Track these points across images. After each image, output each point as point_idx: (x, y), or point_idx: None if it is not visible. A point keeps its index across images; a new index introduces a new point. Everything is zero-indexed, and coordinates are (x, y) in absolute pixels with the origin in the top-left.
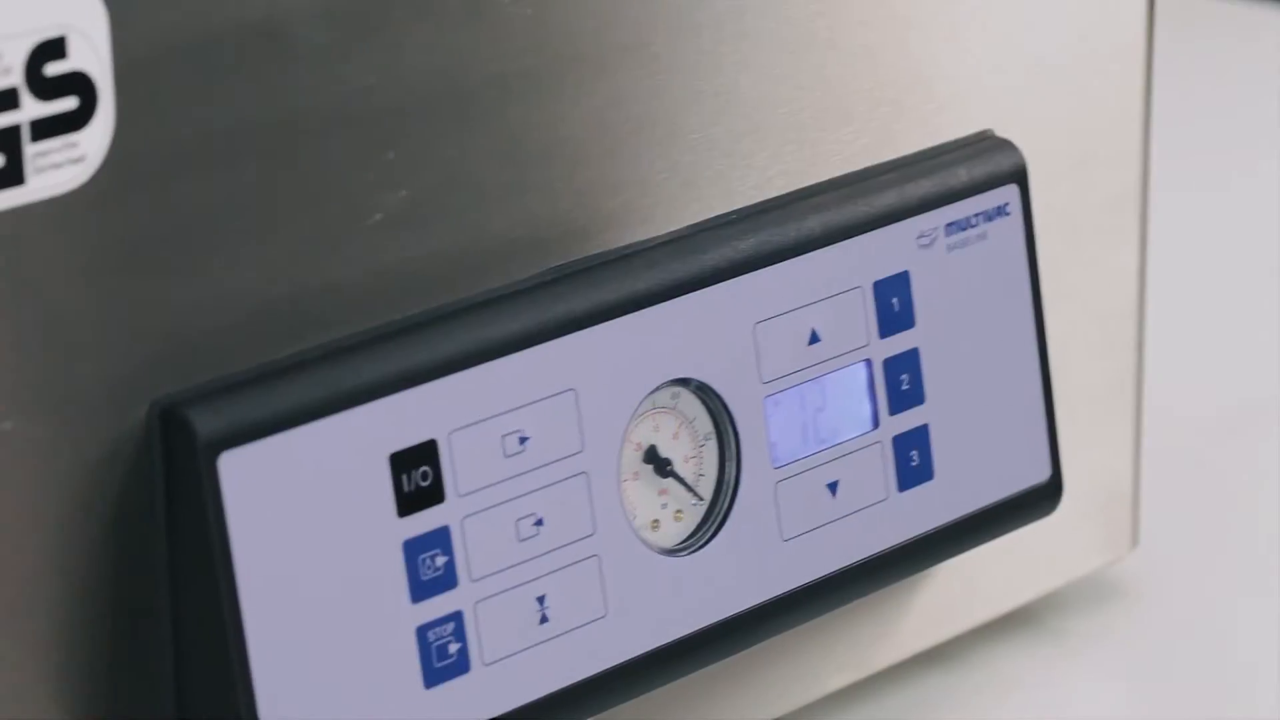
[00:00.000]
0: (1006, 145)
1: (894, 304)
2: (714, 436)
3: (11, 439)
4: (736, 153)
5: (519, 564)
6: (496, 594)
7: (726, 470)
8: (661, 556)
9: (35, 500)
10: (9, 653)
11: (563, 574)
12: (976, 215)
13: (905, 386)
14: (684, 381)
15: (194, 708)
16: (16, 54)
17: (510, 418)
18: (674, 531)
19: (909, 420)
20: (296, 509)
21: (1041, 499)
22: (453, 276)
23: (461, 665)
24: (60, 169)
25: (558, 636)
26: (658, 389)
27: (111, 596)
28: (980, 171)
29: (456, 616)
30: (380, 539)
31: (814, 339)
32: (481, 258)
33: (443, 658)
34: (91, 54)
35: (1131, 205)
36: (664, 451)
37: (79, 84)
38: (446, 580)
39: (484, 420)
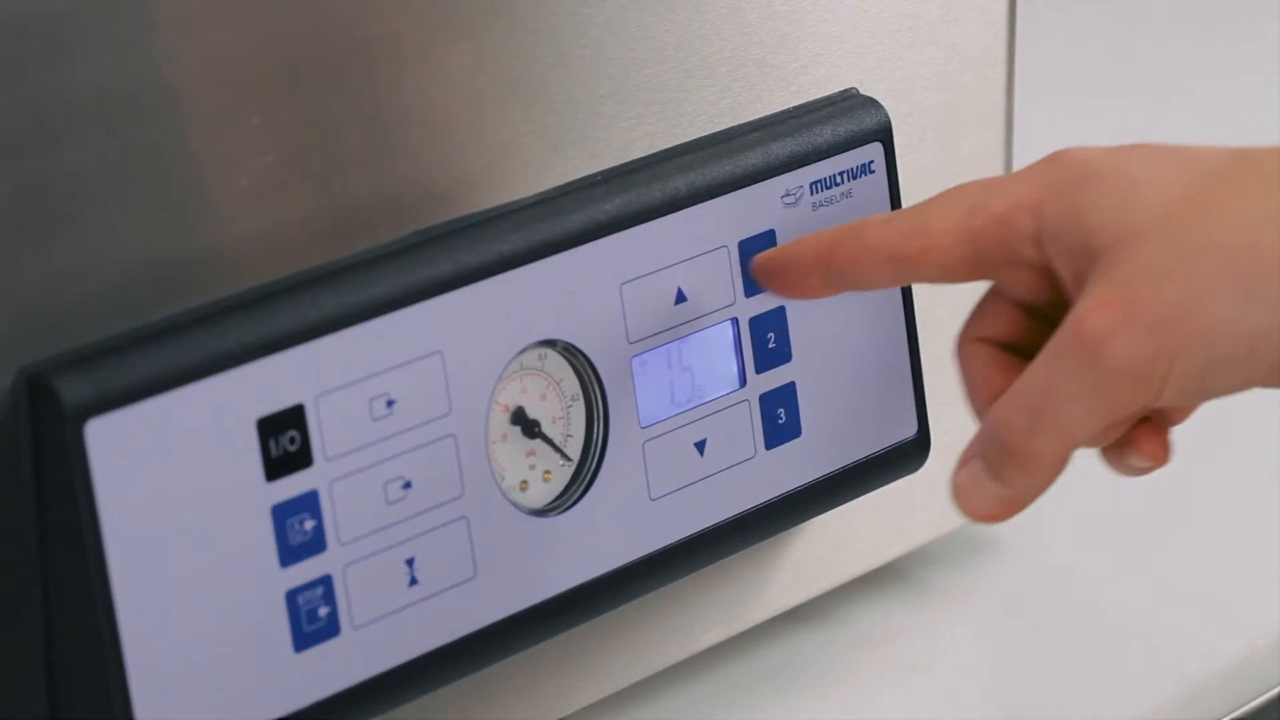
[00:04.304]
0: (871, 103)
1: None
2: (581, 397)
3: None
4: (601, 114)
5: (388, 527)
6: (365, 557)
7: (594, 430)
8: (530, 517)
9: None
10: None
11: (431, 536)
12: (841, 173)
13: (772, 345)
14: (551, 343)
15: (65, 675)
16: None
17: (377, 381)
18: (543, 492)
19: (776, 378)
20: (164, 475)
21: (909, 455)
22: (318, 241)
23: (331, 629)
24: None
25: (427, 599)
26: (525, 350)
27: None
28: (845, 130)
29: (326, 580)
30: (249, 504)
31: (680, 298)
32: (347, 221)
33: (312, 621)
34: None
35: (995, 163)
36: (532, 413)
37: None
38: (315, 544)
39: (351, 384)
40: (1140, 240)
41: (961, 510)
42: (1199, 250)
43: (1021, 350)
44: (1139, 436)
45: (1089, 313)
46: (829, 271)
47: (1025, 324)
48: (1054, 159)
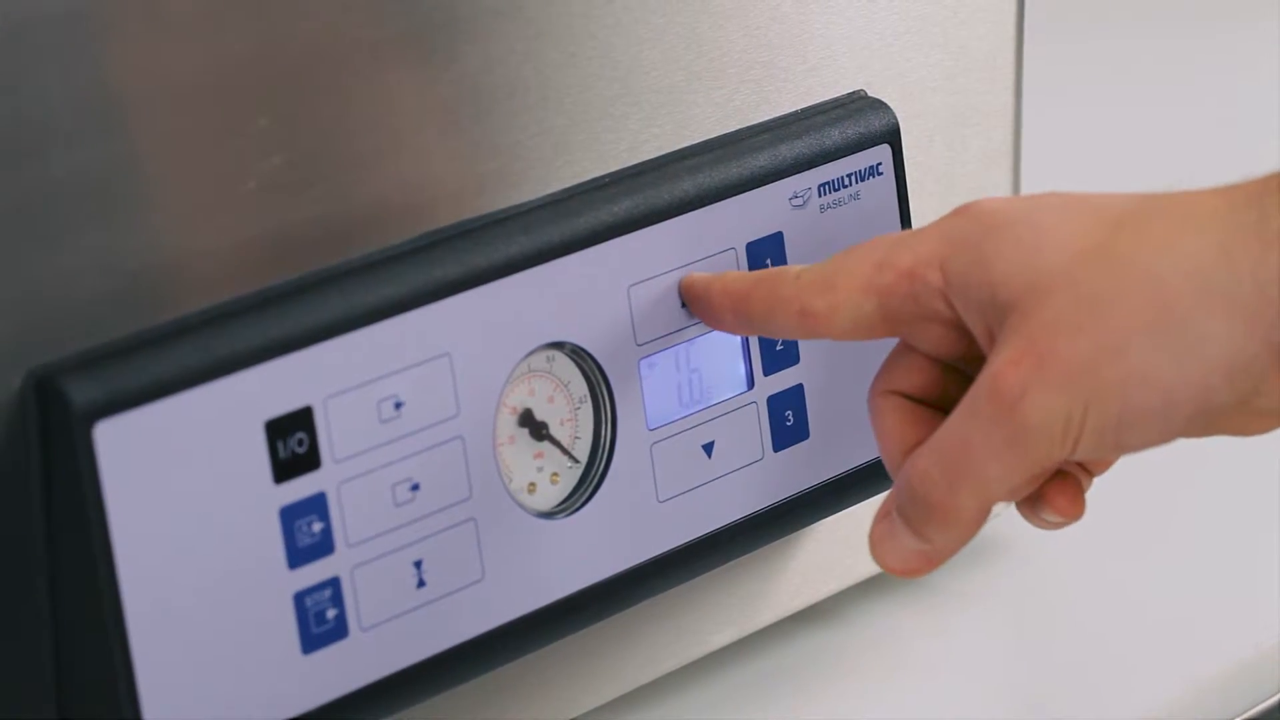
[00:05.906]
0: (879, 105)
1: (768, 264)
2: (589, 399)
3: None
4: (609, 116)
5: (396, 529)
6: (373, 559)
7: (602, 433)
8: (538, 519)
9: None
10: None
11: (439, 538)
12: (849, 175)
13: (779, 347)
14: (559, 345)
15: (73, 676)
16: None
17: (385, 383)
18: (550, 494)
19: (783, 380)
20: (173, 477)
21: None
22: (326, 242)
23: (339, 631)
24: None
25: (435, 601)
26: (533, 353)
27: None
28: (852, 132)
29: (334, 582)
30: (257, 506)
31: None
32: (355, 223)
33: (320, 623)
34: None
35: (1004, 164)
36: (540, 415)
37: None
38: (323, 546)
39: (359, 386)
40: (1050, 292)
41: (880, 564)
42: (1109, 302)
43: (935, 403)
44: (1051, 492)
45: (1004, 368)
46: (740, 315)
47: (938, 377)
48: (961, 211)
